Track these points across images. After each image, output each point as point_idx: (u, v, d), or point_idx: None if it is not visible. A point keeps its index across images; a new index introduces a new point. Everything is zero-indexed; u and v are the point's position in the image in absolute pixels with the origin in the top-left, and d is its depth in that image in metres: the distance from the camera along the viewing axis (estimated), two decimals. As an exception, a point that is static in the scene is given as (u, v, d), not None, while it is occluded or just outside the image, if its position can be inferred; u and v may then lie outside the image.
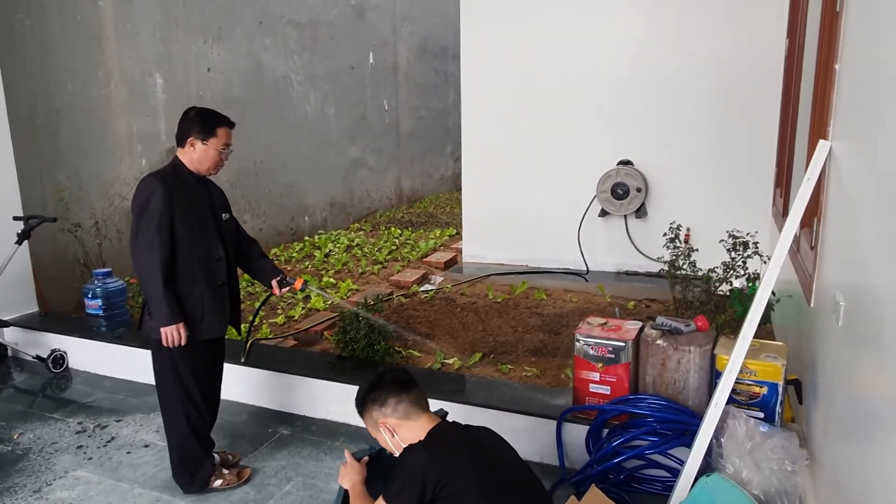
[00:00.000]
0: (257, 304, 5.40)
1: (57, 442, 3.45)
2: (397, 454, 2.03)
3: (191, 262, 2.75)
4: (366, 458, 2.24)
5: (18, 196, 4.75)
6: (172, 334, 2.69)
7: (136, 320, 4.56)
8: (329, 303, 3.63)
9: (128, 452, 3.33)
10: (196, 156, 2.77)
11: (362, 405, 2.10)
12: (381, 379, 2.10)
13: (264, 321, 5.04)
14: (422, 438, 1.98)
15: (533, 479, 2.04)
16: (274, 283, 3.10)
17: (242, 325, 4.56)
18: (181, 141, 2.79)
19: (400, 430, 2.03)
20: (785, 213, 3.92)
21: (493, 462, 1.95)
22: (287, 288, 3.13)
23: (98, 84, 5.58)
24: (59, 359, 4.34)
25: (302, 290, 3.20)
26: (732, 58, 5.28)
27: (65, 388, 4.18)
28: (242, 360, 3.80)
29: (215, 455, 3.03)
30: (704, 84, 5.42)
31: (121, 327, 4.50)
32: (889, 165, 1.70)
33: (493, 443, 2.05)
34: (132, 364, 4.15)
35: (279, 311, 5.25)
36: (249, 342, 3.94)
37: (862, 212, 1.96)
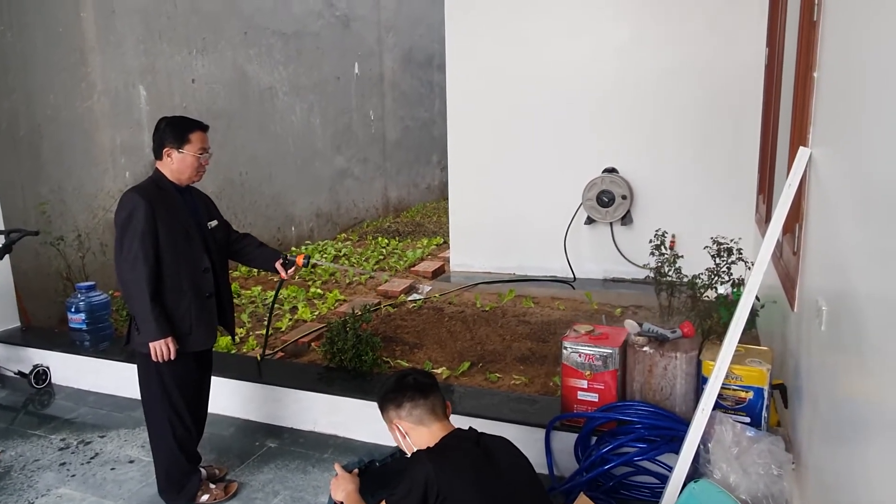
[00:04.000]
0: (243, 314, 5.36)
1: (39, 459, 3.39)
2: (409, 454, 2.06)
3: (177, 275, 2.73)
4: (356, 469, 2.23)
5: (-1, 210, 4.70)
6: (161, 349, 2.67)
7: (120, 334, 4.52)
8: (336, 272, 3.57)
9: (112, 468, 3.28)
10: (175, 165, 2.75)
11: (381, 403, 2.13)
12: (403, 380, 2.11)
13: (251, 333, 5.01)
14: (432, 444, 1.98)
15: (542, 499, 2.02)
16: (278, 265, 3.07)
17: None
18: (157, 153, 2.76)
19: (412, 434, 2.05)
20: (768, 219, 3.97)
21: (500, 476, 1.93)
22: (293, 268, 3.10)
23: (81, 96, 5.54)
24: (41, 374, 4.28)
25: (305, 267, 3.16)
26: (714, 66, 5.36)
27: (47, 404, 4.12)
28: (259, 358, 3.98)
29: (202, 469, 2.99)
30: (687, 92, 5.48)
31: (105, 341, 4.44)
32: (867, 171, 1.72)
33: (505, 457, 2.02)
34: (116, 378, 4.10)
35: (265, 322, 5.21)
36: (263, 349, 4.06)
37: (842, 217, 1.99)
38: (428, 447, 1.98)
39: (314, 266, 2.88)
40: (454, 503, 1.83)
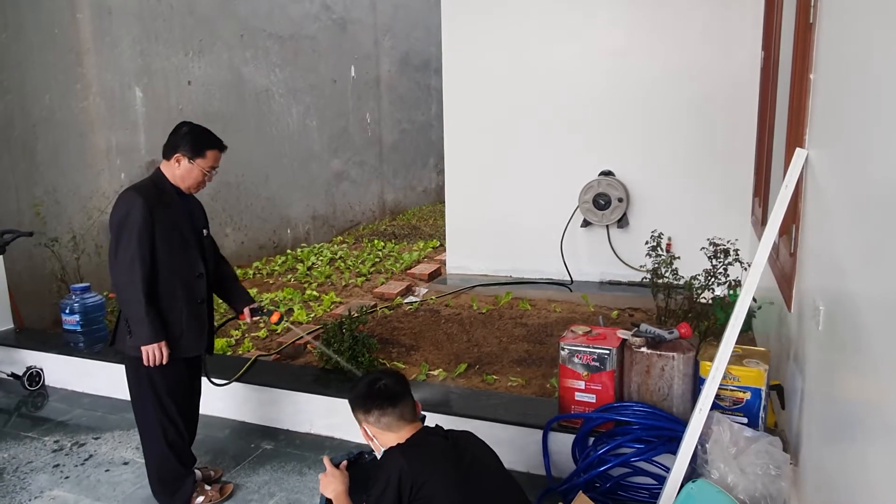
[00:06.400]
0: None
1: (33, 461, 3.37)
2: (377, 454, 2.08)
3: (171, 279, 2.69)
4: (344, 462, 2.22)
5: (-7, 210, 4.67)
6: (154, 353, 2.63)
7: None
8: (301, 338, 3.51)
9: (106, 470, 3.26)
10: (179, 172, 2.71)
11: (350, 403, 2.14)
12: (373, 387, 2.10)
13: (246, 335, 4.98)
14: (402, 442, 2.01)
15: (512, 484, 2.05)
16: (246, 310, 3.05)
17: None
18: (168, 154, 2.71)
19: (379, 437, 2.08)
20: (764, 221, 3.98)
21: (470, 467, 1.97)
22: (258, 318, 3.09)
23: (76, 97, 5.52)
24: (35, 376, 4.25)
25: (276, 324, 3.15)
26: (710, 69, 5.38)
27: (41, 406, 4.09)
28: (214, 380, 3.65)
29: (196, 471, 2.97)
30: (683, 95, 5.50)
31: (99, 343, 4.41)
32: (864, 171, 1.73)
33: (472, 447, 2.07)
34: (111, 380, 4.06)
35: (262, 325, 5.20)
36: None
37: (839, 217, 1.99)
38: (399, 443, 2.00)
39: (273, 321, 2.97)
40: (429, 492, 1.85)
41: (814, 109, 2.48)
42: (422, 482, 1.86)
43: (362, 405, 2.08)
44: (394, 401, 2.06)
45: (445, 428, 2.14)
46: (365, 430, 2.10)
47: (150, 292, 2.63)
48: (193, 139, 2.70)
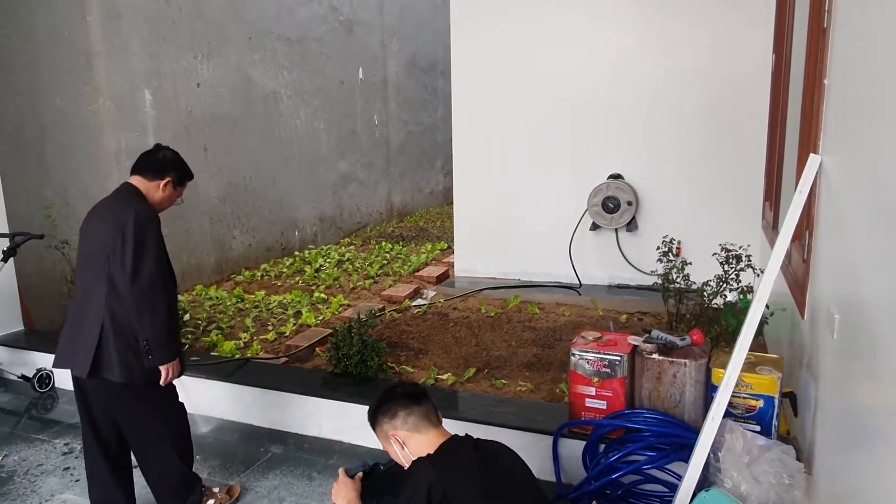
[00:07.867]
0: (247, 318, 5.33)
1: (43, 464, 3.38)
2: (407, 467, 2.04)
3: (169, 296, 2.73)
4: (359, 473, 2.21)
5: (4, 213, 4.69)
6: (174, 369, 2.68)
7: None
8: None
9: (116, 474, 3.26)
10: (162, 195, 2.78)
11: (374, 418, 2.14)
12: (392, 392, 2.13)
13: (255, 338, 4.99)
14: (431, 452, 1.99)
15: (540, 496, 2.04)
16: None
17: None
18: (153, 175, 2.75)
19: (410, 443, 2.05)
20: (775, 225, 3.96)
21: (500, 478, 1.95)
22: None
23: (86, 99, 5.54)
24: (44, 378, 4.26)
25: None
26: (720, 72, 5.35)
27: (51, 409, 4.10)
28: None
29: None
30: (693, 98, 5.48)
31: (109, 345, 4.42)
32: (880, 177, 1.71)
33: (502, 459, 2.05)
34: (120, 383, 4.07)
35: (269, 328, 5.20)
36: None
37: (854, 224, 1.98)
38: (428, 454, 1.98)
39: None
40: (458, 503, 1.83)
41: (827, 115, 2.46)
42: (452, 495, 1.84)
43: (386, 411, 2.09)
44: (417, 399, 2.09)
45: (475, 437, 2.12)
46: (394, 439, 2.06)
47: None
48: (181, 168, 2.84)
